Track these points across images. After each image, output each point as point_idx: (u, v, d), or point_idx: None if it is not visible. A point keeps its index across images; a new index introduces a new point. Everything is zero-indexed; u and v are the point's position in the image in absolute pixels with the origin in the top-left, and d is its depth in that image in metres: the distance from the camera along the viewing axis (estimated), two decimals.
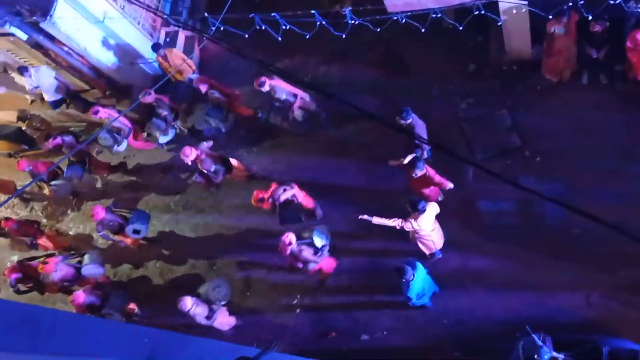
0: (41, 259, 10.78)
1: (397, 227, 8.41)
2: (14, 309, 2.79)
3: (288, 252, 8.84)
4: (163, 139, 11.92)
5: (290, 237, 8.78)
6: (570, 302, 8.52)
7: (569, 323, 8.39)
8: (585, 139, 9.59)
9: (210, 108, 11.52)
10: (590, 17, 8.54)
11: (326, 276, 9.75)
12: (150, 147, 12.30)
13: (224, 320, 9.48)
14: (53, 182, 11.87)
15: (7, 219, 11.60)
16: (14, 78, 12.08)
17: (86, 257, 10.64)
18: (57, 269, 10.32)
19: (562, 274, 8.82)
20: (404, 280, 7.95)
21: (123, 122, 11.68)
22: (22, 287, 10.83)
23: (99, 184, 12.69)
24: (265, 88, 10.30)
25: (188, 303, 8.81)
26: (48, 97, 12.18)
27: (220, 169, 10.62)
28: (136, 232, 10.66)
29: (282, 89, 10.47)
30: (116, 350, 2.77)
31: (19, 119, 12.65)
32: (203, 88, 11.11)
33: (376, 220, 8.48)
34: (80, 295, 9.77)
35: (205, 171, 10.50)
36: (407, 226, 8.36)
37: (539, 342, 7.29)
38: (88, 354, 2.72)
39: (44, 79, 11.80)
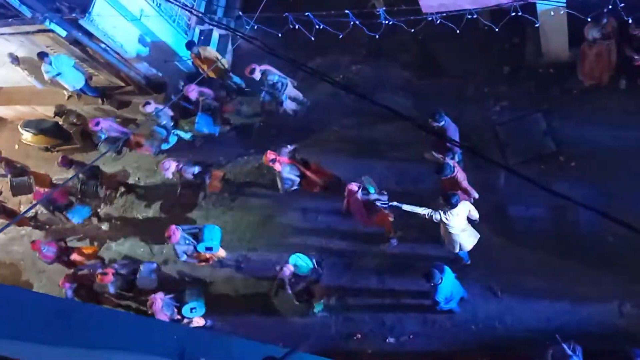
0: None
1: (427, 217, 8.35)
2: (49, 303, 2.85)
3: (357, 198, 8.86)
4: (165, 146, 12.08)
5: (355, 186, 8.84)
6: (602, 311, 8.34)
7: (600, 332, 8.21)
8: (622, 145, 9.37)
9: (200, 115, 11.57)
10: (630, 21, 8.34)
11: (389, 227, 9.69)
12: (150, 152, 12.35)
13: None
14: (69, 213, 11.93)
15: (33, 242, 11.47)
16: (25, 72, 12.33)
17: (141, 267, 10.57)
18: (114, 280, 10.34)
19: (595, 282, 8.63)
20: (432, 284, 7.89)
21: (120, 130, 11.83)
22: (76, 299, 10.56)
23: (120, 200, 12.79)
24: (257, 75, 10.55)
25: None
26: (69, 86, 12.42)
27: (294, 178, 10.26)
28: (209, 248, 10.22)
29: (274, 72, 10.72)
30: (146, 346, 2.81)
31: (56, 114, 12.92)
32: (193, 95, 11.25)
33: (406, 207, 8.48)
34: (158, 299, 9.56)
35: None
36: (436, 217, 8.28)
37: (569, 351, 7.17)
38: (119, 348, 2.76)
39: (63, 66, 12.04)
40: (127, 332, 2.86)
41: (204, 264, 10.74)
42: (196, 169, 10.59)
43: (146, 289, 10.37)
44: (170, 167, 10.32)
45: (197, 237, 10.13)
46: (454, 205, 8.15)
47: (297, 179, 10.12)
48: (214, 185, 11.20)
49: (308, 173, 10.15)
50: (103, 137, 11.63)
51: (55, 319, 2.67)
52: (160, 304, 9.54)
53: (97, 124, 11.51)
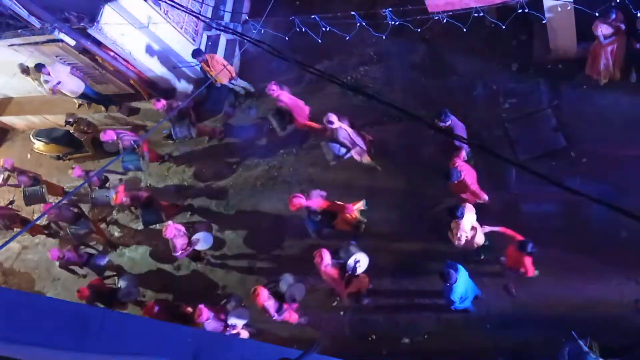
0: None
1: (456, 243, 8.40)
2: (64, 308, 2.88)
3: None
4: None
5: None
6: (618, 306, 8.27)
7: (617, 329, 8.12)
8: (634, 139, 9.30)
9: (124, 153, 11.76)
10: (639, 15, 8.29)
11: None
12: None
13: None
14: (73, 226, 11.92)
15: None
16: (36, 82, 12.42)
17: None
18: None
19: (610, 278, 8.58)
20: (447, 284, 7.86)
21: (132, 138, 11.88)
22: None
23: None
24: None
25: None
26: (71, 93, 12.52)
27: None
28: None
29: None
30: (161, 350, 2.83)
31: (67, 122, 13.02)
32: (108, 137, 11.49)
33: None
34: (204, 310, 9.17)
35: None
36: (460, 236, 8.27)
37: (586, 348, 7.11)
38: (134, 353, 2.78)
39: (61, 74, 12.14)
40: (142, 336, 2.88)
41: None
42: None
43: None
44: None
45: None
46: (461, 217, 8.15)
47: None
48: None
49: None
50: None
51: (71, 324, 2.70)
52: (207, 316, 9.18)
53: (106, 133, 11.62)
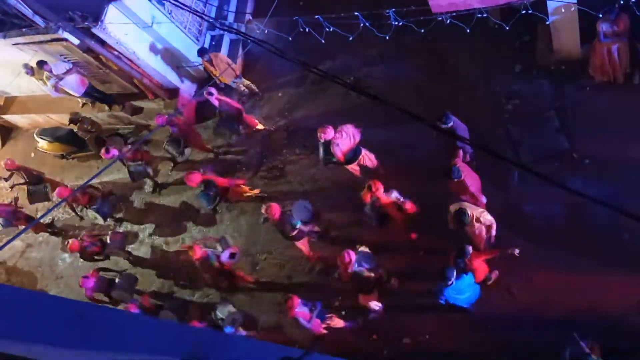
0: None
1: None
2: (65, 306, 2.89)
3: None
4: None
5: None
6: (620, 308, 8.24)
7: (619, 330, 8.10)
8: (637, 141, 9.28)
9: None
10: None
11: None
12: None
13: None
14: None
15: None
16: (40, 82, 12.44)
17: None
18: None
19: (612, 279, 8.55)
20: (447, 283, 7.86)
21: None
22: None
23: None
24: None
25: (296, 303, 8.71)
26: (74, 92, 12.56)
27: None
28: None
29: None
30: (161, 348, 2.83)
31: (71, 121, 13.07)
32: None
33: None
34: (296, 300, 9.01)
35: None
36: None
37: (587, 350, 7.11)
38: (134, 351, 2.79)
39: (63, 72, 12.18)
40: (142, 334, 2.88)
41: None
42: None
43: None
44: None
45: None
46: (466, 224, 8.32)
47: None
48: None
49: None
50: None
51: (71, 321, 2.71)
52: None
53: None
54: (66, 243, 11.95)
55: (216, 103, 11.24)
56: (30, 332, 2.63)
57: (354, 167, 10.09)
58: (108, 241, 11.57)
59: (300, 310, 8.71)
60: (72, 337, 2.68)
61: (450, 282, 7.81)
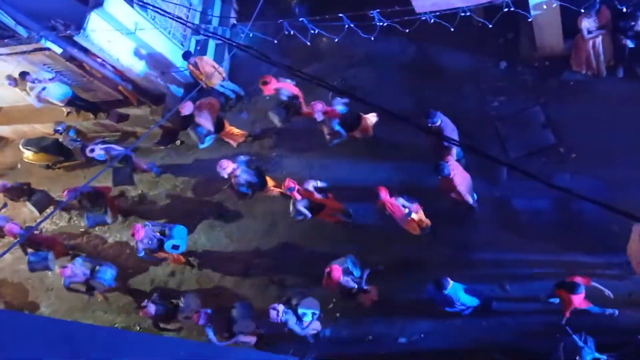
0: None
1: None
2: (54, 327, 2.86)
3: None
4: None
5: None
6: (612, 301, 8.31)
7: (612, 323, 8.20)
8: (623, 134, 9.38)
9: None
10: (625, 9, 8.37)
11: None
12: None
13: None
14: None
15: None
16: (24, 92, 12.28)
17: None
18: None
19: (603, 272, 8.64)
20: (443, 292, 7.87)
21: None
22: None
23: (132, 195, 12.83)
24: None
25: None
26: (58, 101, 12.45)
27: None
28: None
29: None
30: None
31: (56, 131, 12.94)
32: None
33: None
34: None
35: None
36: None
37: (581, 343, 7.17)
38: None
39: (46, 82, 12.04)
40: (133, 351, 2.86)
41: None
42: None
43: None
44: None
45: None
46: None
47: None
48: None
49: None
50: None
51: (61, 342, 2.68)
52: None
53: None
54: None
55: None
56: (17, 354, 2.59)
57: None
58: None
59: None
60: (61, 358, 2.65)
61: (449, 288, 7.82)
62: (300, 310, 8.84)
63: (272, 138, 12.00)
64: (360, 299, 9.30)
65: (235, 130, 11.86)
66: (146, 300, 9.99)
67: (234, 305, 9.60)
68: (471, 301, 8.29)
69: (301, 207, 9.65)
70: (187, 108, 10.93)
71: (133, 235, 10.30)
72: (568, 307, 7.66)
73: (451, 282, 7.82)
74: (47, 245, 11.83)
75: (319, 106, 10.03)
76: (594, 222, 8.98)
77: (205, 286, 11.18)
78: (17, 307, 12.42)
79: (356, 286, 8.99)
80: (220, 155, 11.29)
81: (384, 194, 8.81)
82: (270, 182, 10.79)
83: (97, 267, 10.72)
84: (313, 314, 8.97)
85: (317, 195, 9.76)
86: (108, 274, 10.75)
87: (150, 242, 10.38)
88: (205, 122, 11.25)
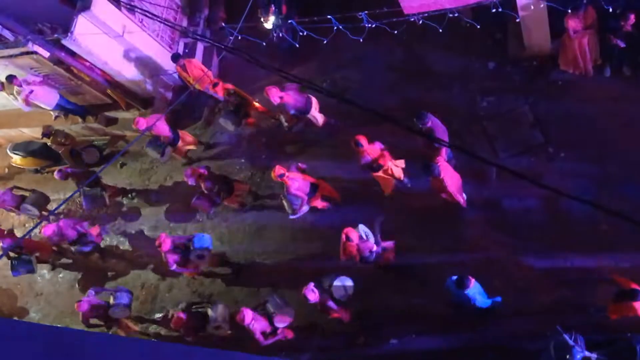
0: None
1: None
2: (45, 333, 2.84)
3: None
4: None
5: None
6: (601, 300, 8.38)
7: (602, 321, 8.24)
8: (611, 133, 9.46)
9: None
10: (612, 10, 8.44)
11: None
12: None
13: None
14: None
15: None
16: (11, 96, 12.15)
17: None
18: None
19: (593, 271, 8.71)
20: (464, 291, 7.86)
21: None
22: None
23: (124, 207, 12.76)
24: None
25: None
26: (46, 105, 12.38)
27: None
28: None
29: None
30: None
31: (44, 134, 12.84)
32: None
33: None
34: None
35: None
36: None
37: (571, 342, 7.20)
38: None
39: (34, 85, 11.96)
40: (123, 356, 2.85)
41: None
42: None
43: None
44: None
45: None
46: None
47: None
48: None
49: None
50: None
51: (51, 348, 2.66)
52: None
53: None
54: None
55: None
56: None
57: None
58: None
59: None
60: None
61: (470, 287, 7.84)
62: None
63: (261, 140, 11.98)
64: (381, 261, 9.24)
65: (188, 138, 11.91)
66: (169, 310, 9.71)
67: (266, 300, 9.32)
68: (484, 303, 8.27)
69: (296, 191, 9.65)
70: (140, 124, 10.87)
71: (159, 246, 9.87)
72: (629, 313, 7.47)
73: (473, 281, 7.81)
74: (36, 249, 11.75)
75: (274, 91, 10.07)
76: (583, 220, 9.03)
77: (197, 289, 11.13)
78: (6, 313, 12.32)
79: (375, 247, 8.87)
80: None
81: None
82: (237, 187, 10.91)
83: (114, 294, 10.31)
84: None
85: (308, 176, 9.84)
86: (125, 298, 10.34)
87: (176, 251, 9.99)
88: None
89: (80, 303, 10.03)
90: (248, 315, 8.71)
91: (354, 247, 8.71)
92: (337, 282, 8.75)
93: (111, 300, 10.23)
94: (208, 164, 11.35)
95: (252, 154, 11.94)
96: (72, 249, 11.49)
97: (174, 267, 10.10)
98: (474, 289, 7.95)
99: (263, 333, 8.93)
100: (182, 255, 10.05)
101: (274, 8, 10.36)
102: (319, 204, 10.22)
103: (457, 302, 8.29)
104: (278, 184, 11.22)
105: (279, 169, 9.51)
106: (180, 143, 11.59)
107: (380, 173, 9.49)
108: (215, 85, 10.75)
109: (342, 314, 9.06)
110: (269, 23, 10.01)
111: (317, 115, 10.75)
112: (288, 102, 10.30)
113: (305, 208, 9.95)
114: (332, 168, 10.86)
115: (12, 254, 11.53)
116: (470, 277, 7.79)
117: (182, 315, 9.47)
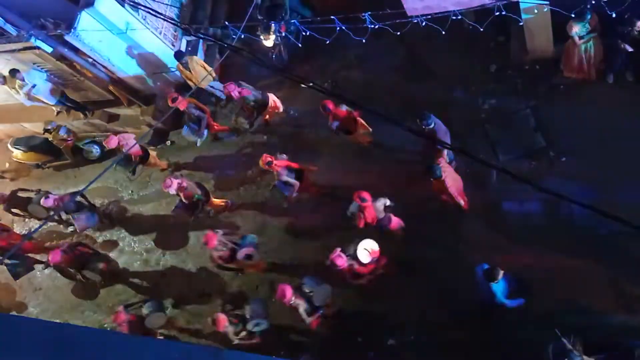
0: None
1: None
2: (43, 328, 2.84)
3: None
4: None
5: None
6: (600, 304, 8.38)
7: (600, 326, 8.24)
8: (612, 139, 9.44)
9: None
10: (615, 15, 8.42)
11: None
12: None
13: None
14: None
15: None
16: (13, 91, 12.14)
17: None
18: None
19: (592, 275, 8.69)
20: (492, 283, 7.83)
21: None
22: None
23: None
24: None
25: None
26: (48, 100, 12.38)
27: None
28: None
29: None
30: None
31: (46, 130, 12.85)
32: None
33: None
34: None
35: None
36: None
37: (569, 346, 7.19)
38: None
39: (36, 80, 11.95)
40: (125, 353, 2.85)
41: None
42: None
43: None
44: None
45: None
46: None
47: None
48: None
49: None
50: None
51: (50, 343, 2.66)
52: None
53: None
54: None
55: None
56: (6, 357, 2.57)
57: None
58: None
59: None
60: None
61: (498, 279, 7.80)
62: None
63: (262, 139, 11.98)
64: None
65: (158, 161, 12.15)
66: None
67: (303, 282, 9.11)
68: (501, 300, 8.19)
69: (286, 177, 9.88)
70: (113, 141, 11.10)
71: (206, 243, 9.66)
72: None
73: (502, 274, 7.74)
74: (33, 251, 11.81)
75: (232, 86, 10.55)
76: (583, 225, 9.03)
77: (195, 287, 11.14)
78: (4, 308, 12.31)
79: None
80: (212, 155, 11.20)
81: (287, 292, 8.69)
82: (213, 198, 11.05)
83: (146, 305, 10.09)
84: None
85: (294, 164, 10.07)
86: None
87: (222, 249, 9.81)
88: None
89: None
90: (288, 291, 8.64)
91: (371, 209, 8.83)
92: (360, 247, 8.79)
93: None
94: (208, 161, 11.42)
95: (252, 152, 11.94)
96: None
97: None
98: (499, 286, 7.92)
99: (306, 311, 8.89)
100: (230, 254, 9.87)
101: (274, 27, 10.48)
102: (312, 189, 10.43)
103: (484, 292, 8.20)
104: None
105: (265, 157, 9.70)
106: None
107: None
108: (174, 100, 10.92)
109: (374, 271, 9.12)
110: (270, 41, 10.13)
111: (276, 100, 11.13)
112: (247, 94, 10.73)
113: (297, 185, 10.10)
114: (336, 166, 10.91)
115: (7, 261, 11.35)
116: (500, 271, 7.71)
117: (221, 317, 9.09)
